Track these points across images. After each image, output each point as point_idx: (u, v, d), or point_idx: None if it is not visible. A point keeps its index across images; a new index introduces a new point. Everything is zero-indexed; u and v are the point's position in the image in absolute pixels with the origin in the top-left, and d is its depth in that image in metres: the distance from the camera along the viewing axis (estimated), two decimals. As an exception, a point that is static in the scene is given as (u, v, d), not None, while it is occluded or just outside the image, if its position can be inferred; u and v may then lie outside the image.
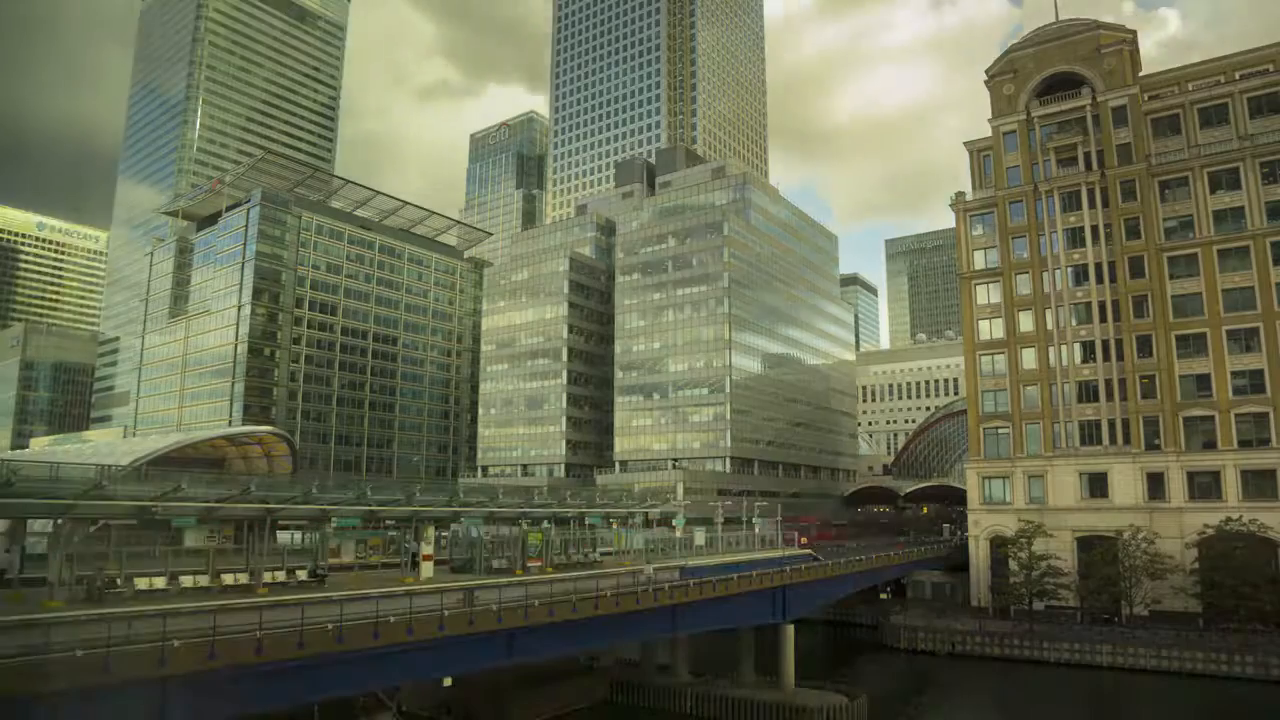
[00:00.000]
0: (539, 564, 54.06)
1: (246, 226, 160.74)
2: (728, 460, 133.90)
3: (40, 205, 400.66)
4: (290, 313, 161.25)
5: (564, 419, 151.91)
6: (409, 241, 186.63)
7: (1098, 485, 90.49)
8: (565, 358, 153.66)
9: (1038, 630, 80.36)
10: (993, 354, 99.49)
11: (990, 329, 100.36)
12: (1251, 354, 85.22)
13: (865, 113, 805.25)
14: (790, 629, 62.57)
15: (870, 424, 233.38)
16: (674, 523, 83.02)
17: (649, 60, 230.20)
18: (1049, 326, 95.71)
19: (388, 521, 57.84)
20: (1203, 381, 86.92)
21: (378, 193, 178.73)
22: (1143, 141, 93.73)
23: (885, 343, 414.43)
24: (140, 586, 37.45)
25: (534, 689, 58.61)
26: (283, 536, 53.82)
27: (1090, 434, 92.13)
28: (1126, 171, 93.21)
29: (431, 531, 51.21)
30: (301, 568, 44.05)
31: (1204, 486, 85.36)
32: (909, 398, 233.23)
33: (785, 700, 59.31)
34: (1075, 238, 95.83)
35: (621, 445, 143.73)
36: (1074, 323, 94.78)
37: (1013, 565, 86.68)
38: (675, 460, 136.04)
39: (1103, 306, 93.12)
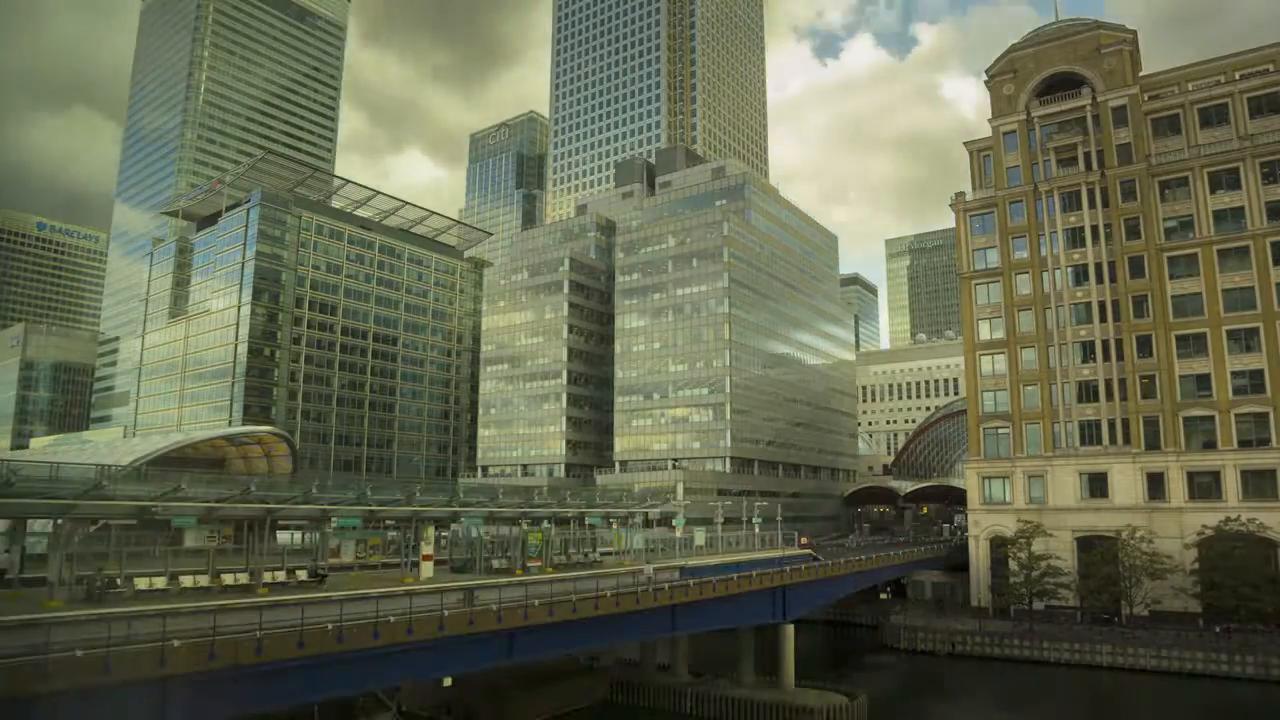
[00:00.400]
0: (539, 564, 54.05)
1: (246, 226, 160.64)
2: (727, 460, 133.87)
3: (40, 206, 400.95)
4: (290, 313, 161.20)
5: (564, 419, 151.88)
6: (409, 241, 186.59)
7: (1098, 485, 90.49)
8: (565, 358, 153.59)
9: (1038, 630, 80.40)
10: (993, 354, 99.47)
11: (990, 329, 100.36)
12: (1251, 354, 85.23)
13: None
14: (790, 629, 62.61)
15: (870, 424, 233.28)
16: (674, 523, 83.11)
17: (649, 60, 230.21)
18: (1049, 326, 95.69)
19: (388, 521, 57.83)
20: (1203, 381, 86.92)
21: (378, 192, 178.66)
22: (1143, 141, 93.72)
23: (885, 343, 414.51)
24: (140, 586, 37.44)
25: (534, 689, 58.64)
26: (283, 536, 53.88)
27: (1090, 434, 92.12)
28: (1126, 171, 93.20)
29: (431, 531, 51.18)
30: (301, 568, 44.01)
31: (1204, 486, 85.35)
32: (909, 398, 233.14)
33: (785, 700, 59.33)
34: (1075, 238, 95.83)
35: (621, 445, 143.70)
36: (1074, 323, 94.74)
37: (1013, 565, 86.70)
38: (675, 460, 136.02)
39: (1103, 306, 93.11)
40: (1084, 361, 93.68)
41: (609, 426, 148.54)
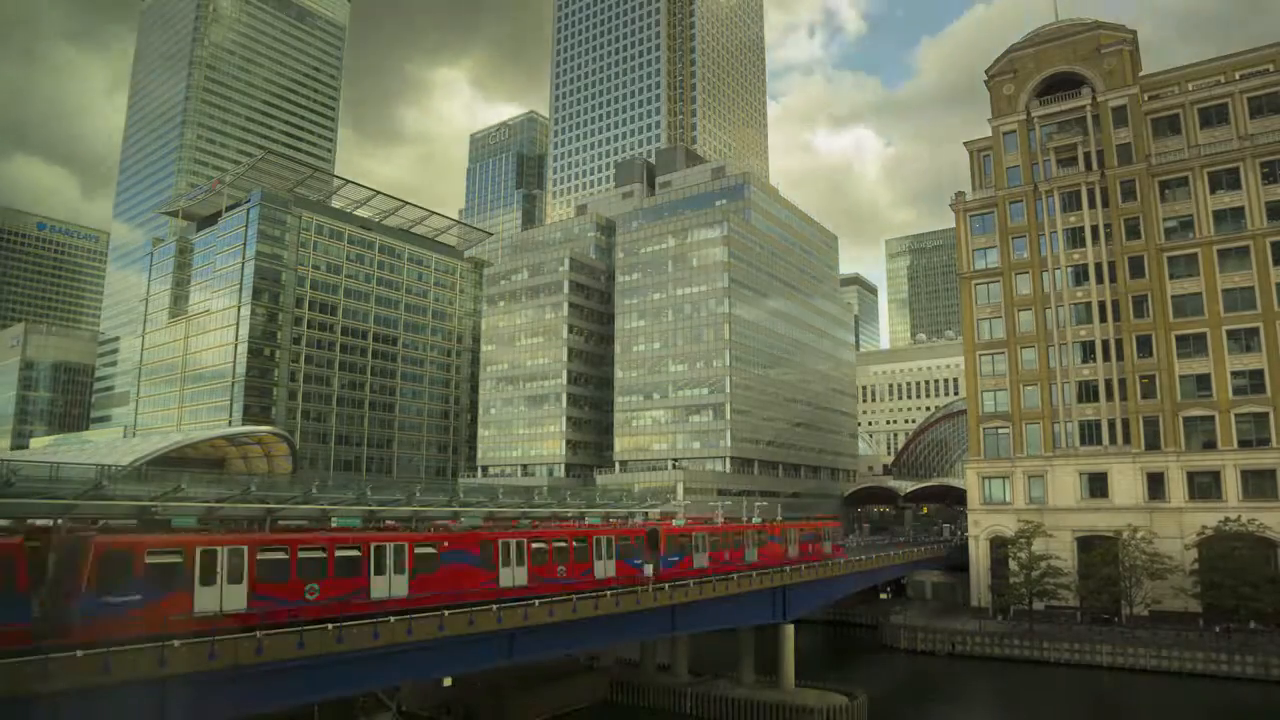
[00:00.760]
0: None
1: (246, 226, 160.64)
2: (727, 460, 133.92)
3: (40, 206, 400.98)
4: (290, 313, 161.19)
5: (564, 419, 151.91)
6: (409, 241, 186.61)
7: (1098, 485, 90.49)
8: (565, 358, 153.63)
9: (1038, 630, 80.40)
10: (993, 354, 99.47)
11: (990, 329, 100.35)
12: (1251, 354, 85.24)
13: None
14: (790, 629, 62.59)
15: (870, 424, 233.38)
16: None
17: (649, 60, 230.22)
18: (1049, 326, 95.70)
19: (388, 521, 57.77)
20: (1203, 381, 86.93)
21: (378, 192, 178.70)
22: (1143, 141, 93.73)
23: (885, 343, 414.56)
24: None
25: (534, 689, 58.66)
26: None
27: (1090, 434, 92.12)
28: (1126, 171, 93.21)
29: (431, 531, 51.10)
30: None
31: (1204, 486, 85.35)
32: (909, 398, 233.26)
33: (785, 700, 59.32)
34: (1075, 238, 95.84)
35: (621, 445, 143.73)
36: (1074, 323, 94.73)
37: (1013, 565, 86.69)
38: (675, 460, 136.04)
39: (1103, 306, 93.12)
40: (1084, 361, 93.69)
41: (609, 426, 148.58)
